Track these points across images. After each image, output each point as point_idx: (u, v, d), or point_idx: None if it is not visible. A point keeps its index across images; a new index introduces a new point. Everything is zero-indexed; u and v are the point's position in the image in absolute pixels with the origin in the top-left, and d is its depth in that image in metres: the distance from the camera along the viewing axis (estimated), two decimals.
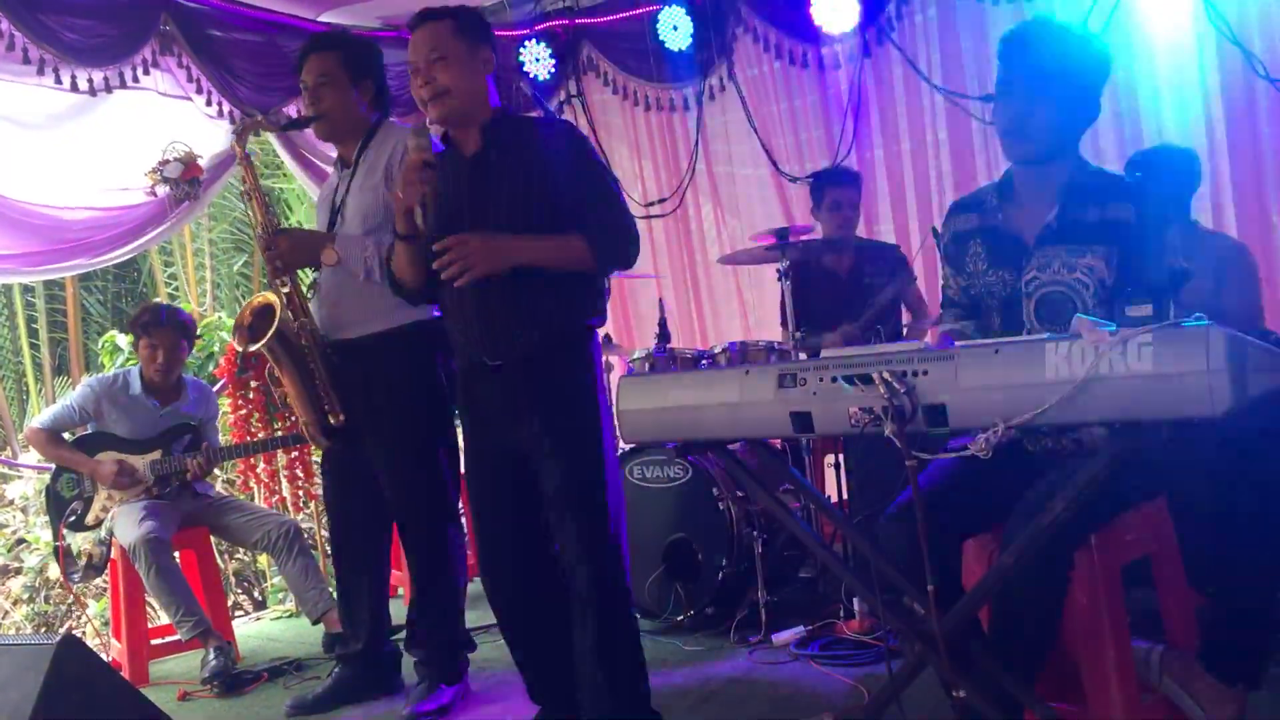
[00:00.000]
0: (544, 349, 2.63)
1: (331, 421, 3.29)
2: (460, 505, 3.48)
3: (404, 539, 3.46)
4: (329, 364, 3.28)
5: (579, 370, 2.69)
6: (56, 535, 4.32)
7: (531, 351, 2.62)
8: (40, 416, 4.52)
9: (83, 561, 4.29)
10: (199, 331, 5.11)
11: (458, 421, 3.13)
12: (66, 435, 4.43)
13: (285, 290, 3.24)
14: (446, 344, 3.29)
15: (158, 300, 6.39)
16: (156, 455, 4.35)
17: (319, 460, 4.75)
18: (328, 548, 4.47)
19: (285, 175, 7.24)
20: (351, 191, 3.29)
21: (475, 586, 5.05)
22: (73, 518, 4.30)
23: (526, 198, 2.60)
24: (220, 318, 6.32)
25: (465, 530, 3.55)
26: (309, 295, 3.32)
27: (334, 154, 3.51)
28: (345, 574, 3.62)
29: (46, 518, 4.63)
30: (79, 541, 4.29)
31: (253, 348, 3.26)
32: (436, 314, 3.29)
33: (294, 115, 3.37)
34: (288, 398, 3.35)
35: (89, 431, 4.39)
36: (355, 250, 3.17)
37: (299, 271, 3.36)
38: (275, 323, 3.22)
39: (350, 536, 3.55)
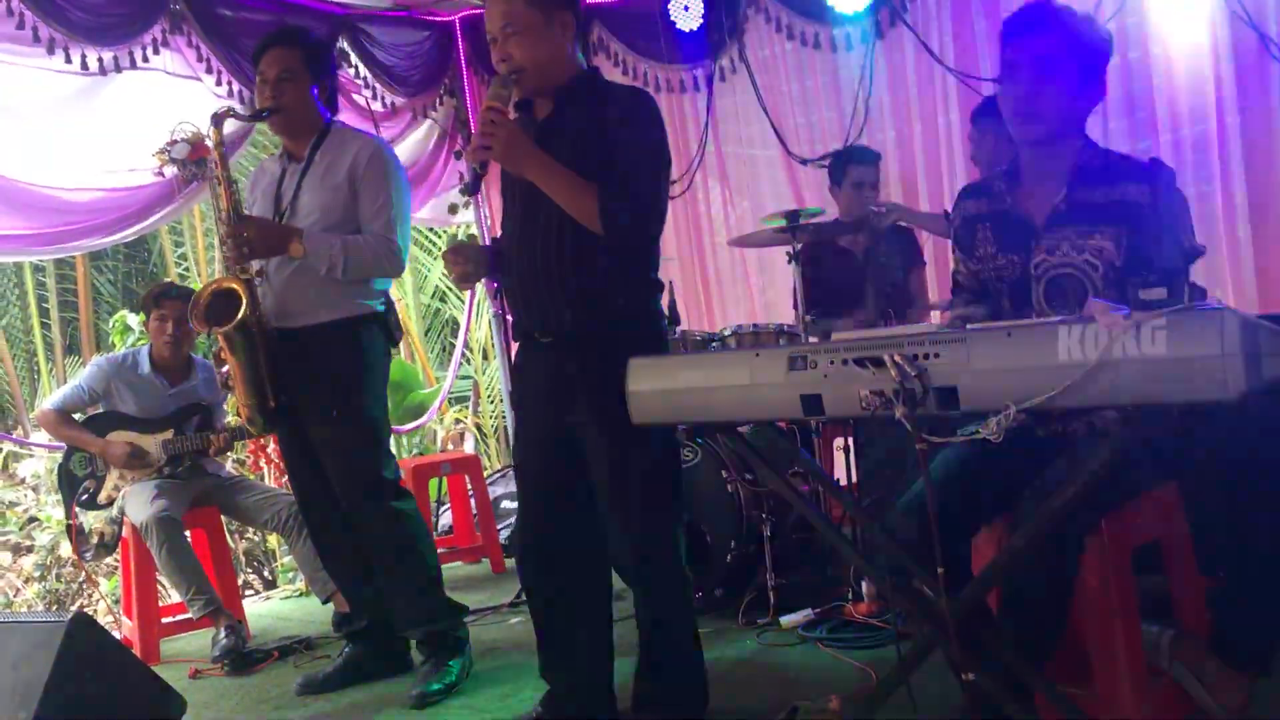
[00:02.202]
0: (592, 327, 2.60)
1: (270, 406, 3.33)
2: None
3: (353, 522, 3.45)
4: (272, 350, 3.32)
5: (628, 349, 2.35)
6: (69, 514, 4.34)
7: (579, 329, 2.60)
8: (51, 398, 4.54)
9: (95, 540, 4.32)
10: None
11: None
12: (78, 416, 4.45)
13: (246, 277, 3.28)
14: (387, 335, 3.43)
15: (177, 282, 6.43)
16: (168, 434, 4.37)
17: None
18: None
19: None
20: (305, 188, 3.35)
21: (453, 570, 5.09)
22: (85, 496, 4.33)
23: (588, 165, 2.55)
24: None
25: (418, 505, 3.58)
26: (257, 282, 3.35)
27: None
28: (328, 560, 3.66)
29: (58, 496, 4.65)
30: (91, 520, 4.31)
31: (217, 330, 3.28)
32: (380, 307, 3.41)
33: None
34: (230, 380, 3.40)
35: (100, 411, 4.41)
36: (322, 247, 3.23)
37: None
38: (243, 308, 3.25)
39: (323, 522, 3.56)
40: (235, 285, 3.28)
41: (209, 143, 3.37)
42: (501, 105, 2.54)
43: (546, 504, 2.76)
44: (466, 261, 2.71)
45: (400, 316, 4.93)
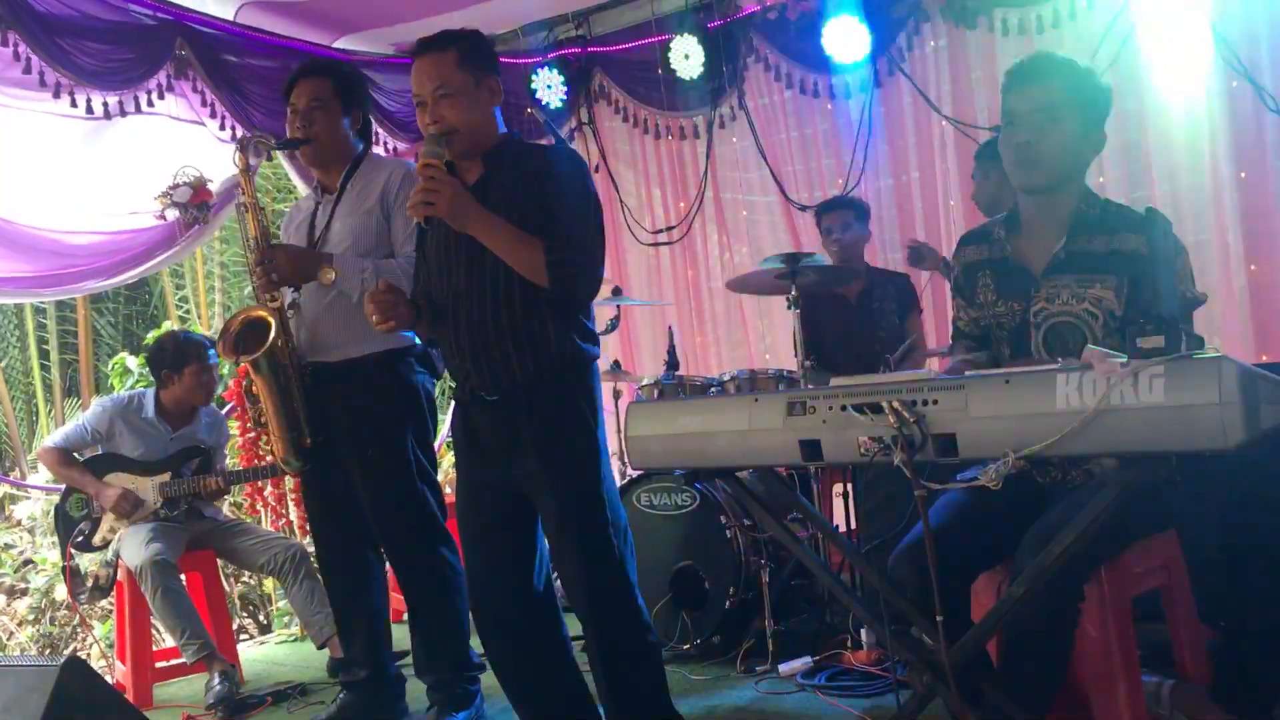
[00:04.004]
0: (539, 380, 2.60)
1: (305, 444, 3.30)
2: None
3: (392, 564, 3.45)
4: (304, 385, 3.30)
5: (576, 401, 2.65)
6: (64, 555, 4.32)
7: (527, 383, 2.60)
8: (53, 435, 4.53)
9: (89, 582, 4.29)
10: None
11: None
12: (78, 455, 4.44)
13: (275, 305, 3.25)
14: (429, 368, 3.38)
15: (186, 329, 6.43)
16: (166, 477, 4.35)
17: None
18: None
19: (296, 197, 7.27)
20: (337, 216, 3.32)
21: None
22: (80, 538, 4.30)
23: (525, 223, 2.56)
24: None
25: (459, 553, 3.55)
26: (289, 315, 3.33)
27: None
28: (338, 601, 3.60)
29: (54, 539, 4.63)
30: (86, 562, 4.29)
31: (244, 359, 3.26)
32: (419, 340, 3.35)
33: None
34: (262, 416, 3.37)
35: (100, 453, 4.40)
36: (354, 270, 3.18)
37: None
38: (271, 336, 3.21)
39: (338, 562, 3.53)
40: (265, 314, 3.24)
41: (235, 167, 3.34)
42: (439, 162, 2.54)
43: (497, 559, 2.74)
44: (396, 306, 2.64)
45: None
